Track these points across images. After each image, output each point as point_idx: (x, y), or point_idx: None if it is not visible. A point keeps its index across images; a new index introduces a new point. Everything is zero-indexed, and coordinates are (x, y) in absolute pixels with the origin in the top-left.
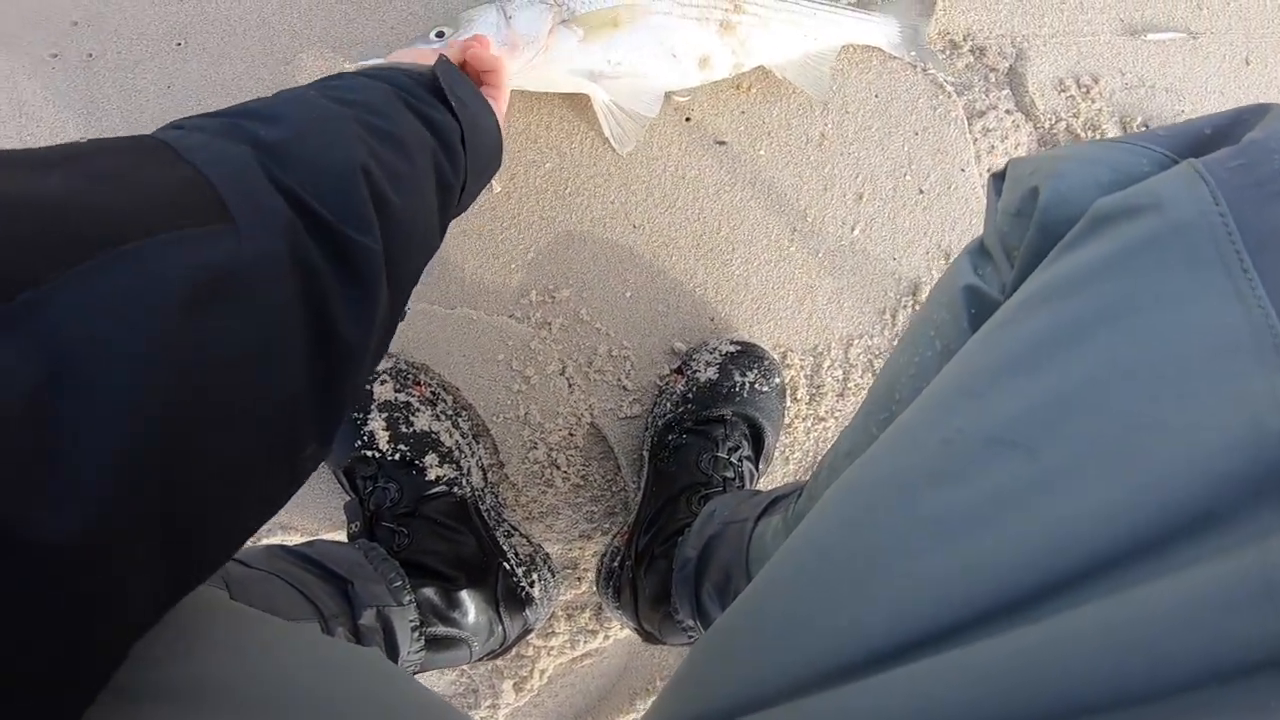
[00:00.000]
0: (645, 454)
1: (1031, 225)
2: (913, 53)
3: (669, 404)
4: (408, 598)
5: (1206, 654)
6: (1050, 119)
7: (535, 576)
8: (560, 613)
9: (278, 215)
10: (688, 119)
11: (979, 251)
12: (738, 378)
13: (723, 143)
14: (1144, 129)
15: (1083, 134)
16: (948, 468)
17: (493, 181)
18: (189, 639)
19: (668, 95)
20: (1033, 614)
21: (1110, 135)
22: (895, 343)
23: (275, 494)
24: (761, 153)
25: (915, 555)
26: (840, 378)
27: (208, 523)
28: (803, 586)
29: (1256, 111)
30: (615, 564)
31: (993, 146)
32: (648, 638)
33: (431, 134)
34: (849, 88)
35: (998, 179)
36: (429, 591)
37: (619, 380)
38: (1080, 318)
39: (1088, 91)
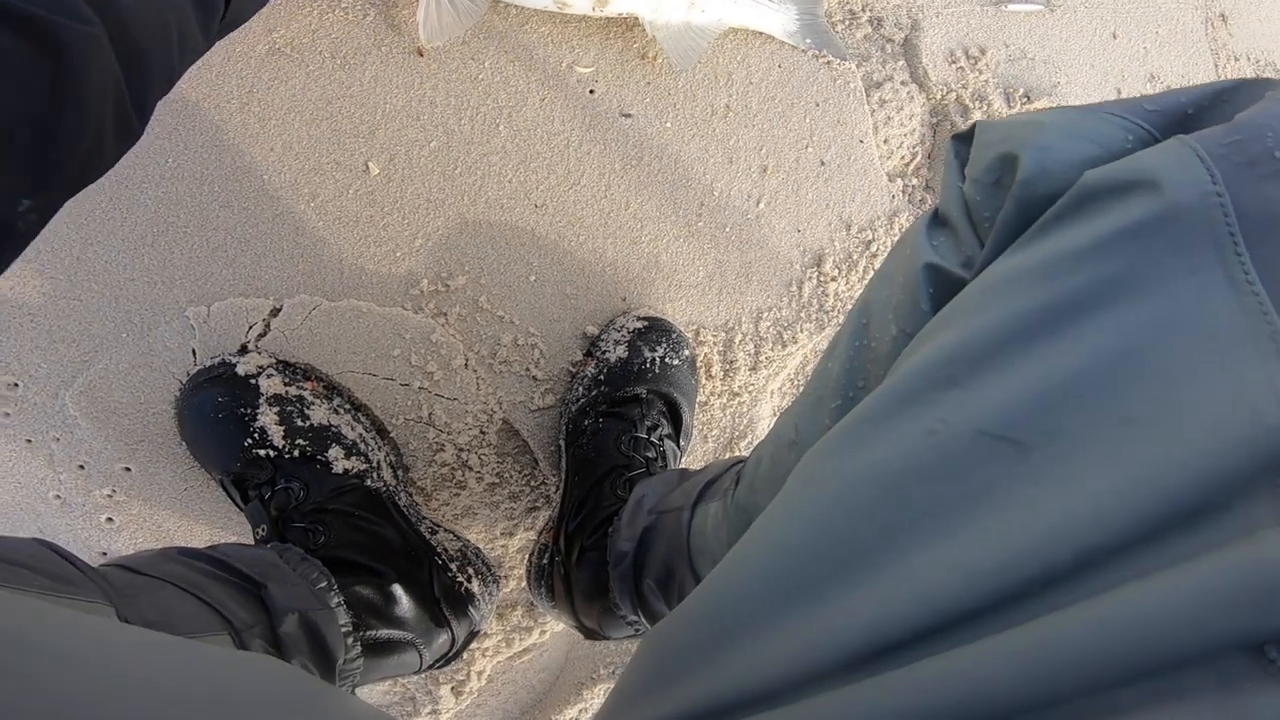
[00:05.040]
0: (562, 443)
1: (1009, 198)
2: (808, 40)
3: (581, 389)
4: (335, 599)
5: (1198, 649)
6: (942, 90)
7: (471, 571)
8: None
9: None
10: (591, 91)
11: (934, 223)
12: (647, 354)
13: (628, 115)
14: (1025, 99)
15: (971, 105)
16: (935, 462)
17: (369, 164)
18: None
19: (571, 67)
20: (1022, 613)
21: (996, 107)
22: (801, 314)
23: None
24: (668, 125)
25: (901, 554)
26: (752, 351)
27: None
28: (771, 588)
29: (1238, 87)
30: (545, 561)
31: (889, 118)
32: (589, 634)
33: None
34: (752, 58)
35: (960, 142)
36: (361, 590)
37: (528, 370)
38: (1068, 303)
39: (975, 63)
